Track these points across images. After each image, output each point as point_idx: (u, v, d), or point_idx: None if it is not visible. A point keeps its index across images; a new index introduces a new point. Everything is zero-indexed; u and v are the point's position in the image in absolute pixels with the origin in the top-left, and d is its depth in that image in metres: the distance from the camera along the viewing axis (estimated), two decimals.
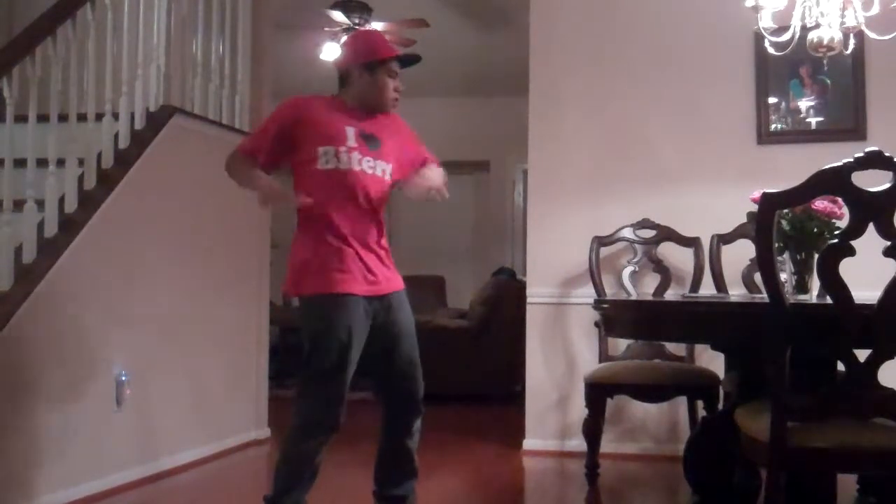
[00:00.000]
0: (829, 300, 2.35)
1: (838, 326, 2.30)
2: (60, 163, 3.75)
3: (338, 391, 3.02)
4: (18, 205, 3.57)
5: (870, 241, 2.24)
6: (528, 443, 4.88)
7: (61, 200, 3.73)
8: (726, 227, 4.33)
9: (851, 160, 2.23)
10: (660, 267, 4.55)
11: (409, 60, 3.22)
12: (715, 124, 4.74)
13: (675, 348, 4.37)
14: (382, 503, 3.18)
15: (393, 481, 3.17)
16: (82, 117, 3.91)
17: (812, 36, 3.43)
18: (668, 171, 4.76)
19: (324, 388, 3.04)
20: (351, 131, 3.07)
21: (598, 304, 3.94)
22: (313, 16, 6.82)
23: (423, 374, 3.19)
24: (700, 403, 4.07)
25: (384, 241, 3.15)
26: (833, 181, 2.26)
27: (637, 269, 4.58)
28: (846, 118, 4.56)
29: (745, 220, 4.04)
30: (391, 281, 3.14)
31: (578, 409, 4.36)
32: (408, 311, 3.17)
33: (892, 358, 2.33)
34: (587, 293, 4.51)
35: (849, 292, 2.28)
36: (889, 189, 2.22)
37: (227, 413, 4.85)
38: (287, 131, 3.10)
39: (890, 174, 2.22)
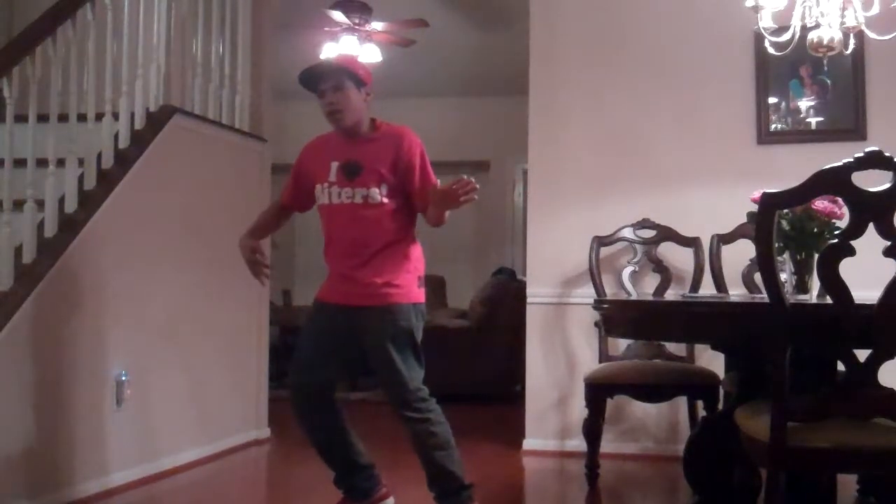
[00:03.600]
0: (829, 300, 2.35)
1: (838, 326, 2.30)
2: (60, 163, 3.75)
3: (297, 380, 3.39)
4: (18, 205, 3.57)
5: (870, 241, 2.23)
6: (528, 443, 4.88)
7: (61, 200, 3.73)
8: (726, 227, 4.33)
9: (851, 160, 2.23)
10: (660, 267, 4.55)
11: (307, 78, 3.26)
12: (715, 124, 4.74)
13: (675, 348, 4.37)
14: None
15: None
16: (82, 117, 3.91)
17: (812, 36, 3.43)
18: (668, 171, 4.76)
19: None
20: (334, 165, 3.25)
21: (598, 304, 3.94)
22: (313, 16, 6.82)
23: (424, 373, 3.22)
24: (700, 403, 4.07)
25: (377, 258, 3.20)
26: (833, 181, 2.26)
27: (637, 269, 4.58)
28: (846, 118, 4.56)
29: (745, 220, 4.03)
30: (360, 297, 3.22)
31: (578, 409, 4.36)
32: (370, 330, 3.21)
33: (892, 358, 2.32)
34: (587, 293, 4.51)
35: (849, 292, 2.28)
36: (889, 189, 2.22)
37: (227, 413, 4.85)
38: (302, 176, 3.38)
39: (890, 174, 2.22)
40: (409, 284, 3.24)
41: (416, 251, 3.31)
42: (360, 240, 3.21)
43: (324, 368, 3.32)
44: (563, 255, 4.81)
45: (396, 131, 3.27)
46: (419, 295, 3.27)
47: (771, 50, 3.58)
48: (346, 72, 3.21)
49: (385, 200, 3.18)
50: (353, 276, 3.22)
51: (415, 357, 3.20)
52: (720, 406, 3.85)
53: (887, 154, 2.22)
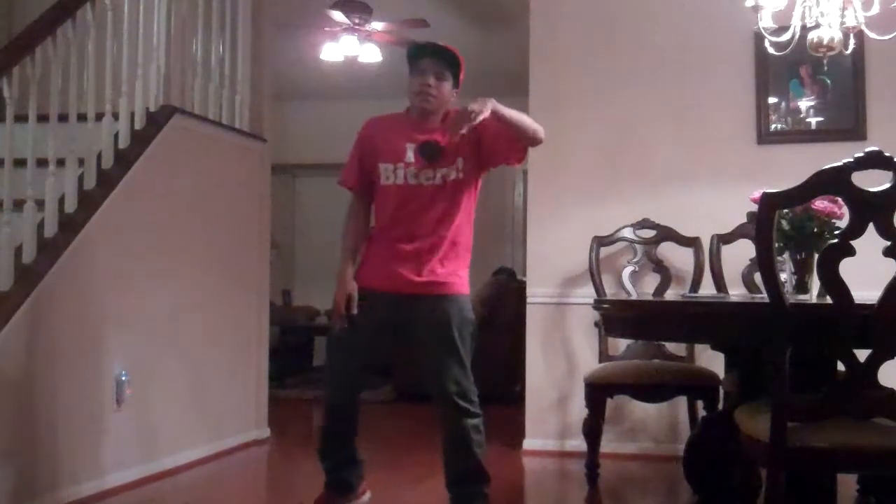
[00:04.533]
0: (829, 300, 2.35)
1: (838, 326, 2.30)
2: (60, 163, 3.75)
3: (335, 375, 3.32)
4: (18, 205, 3.57)
5: (870, 241, 2.23)
6: (528, 443, 4.87)
7: (61, 200, 3.73)
8: (726, 227, 4.33)
9: (851, 160, 2.23)
10: (660, 267, 4.55)
11: (420, 48, 3.25)
12: (715, 124, 4.74)
13: (675, 348, 4.37)
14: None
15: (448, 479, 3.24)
16: (82, 117, 3.91)
17: (812, 36, 3.43)
18: (668, 171, 4.76)
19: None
20: (410, 147, 3.20)
21: (598, 304, 3.94)
22: (313, 16, 6.81)
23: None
24: (700, 403, 4.07)
25: (444, 245, 3.19)
26: (833, 181, 2.26)
27: (637, 269, 4.58)
28: (846, 118, 4.56)
29: (745, 220, 4.04)
30: (426, 285, 3.18)
31: (578, 409, 4.36)
32: (434, 317, 3.18)
33: (892, 358, 2.32)
34: (587, 293, 4.51)
35: (849, 292, 2.28)
36: (889, 189, 2.22)
37: (227, 413, 4.85)
38: (366, 152, 3.30)
39: (890, 174, 2.22)
40: (467, 276, 3.27)
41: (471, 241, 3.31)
42: (431, 224, 3.17)
43: (364, 367, 3.32)
44: (563, 255, 4.81)
45: None
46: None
47: (771, 50, 3.57)
48: (456, 66, 3.25)
49: (461, 176, 3.16)
50: (419, 261, 3.17)
51: (472, 351, 3.21)
52: (720, 406, 3.85)
53: (887, 154, 2.22)
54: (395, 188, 3.22)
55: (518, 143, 3.14)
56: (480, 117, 2.93)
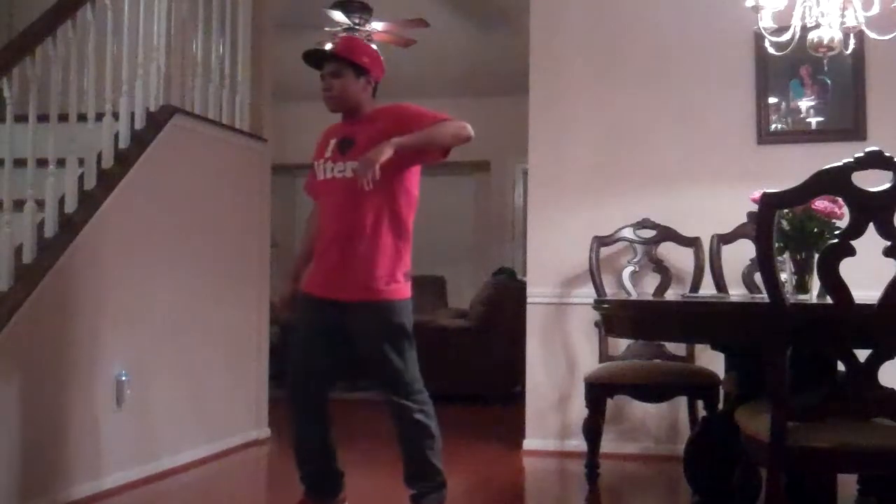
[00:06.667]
0: (829, 300, 2.35)
1: (838, 326, 2.30)
2: (60, 163, 3.75)
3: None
4: (18, 205, 3.57)
5: (870, 241, 2.23)
6: (528, 443, 4.88)
7: (61, 200, 3.73)
8: (726, 227, 4.33)
9: (851, 160, 2.23)
10: (660, 267, 4.55)
11: (315, 57, 3.30)
12: (715, 124, 4.74)
13: (675, 348, 4.37)
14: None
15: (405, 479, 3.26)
16: (82, 117, 3.92)
17: (812, 36, 3.43)
18: (669, 171, 4.76)
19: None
20: (332, 143, 3.27)
21: (598, 304, 3.94)
22: (313, 16, 6.82)
23: (424, 374, 3.21)
24: (700, 403, 4.07)
25: (363, 243, 3.14)
26: (833, 181, 2.26)
27: (637, 269, 4.58)
28: (846, 118, 4.56)
29: (745, 220, 4.04)
30: (352, 291, 3.17)
31: (578, 409, 4.37)
32: (367, 323, 3.18)
33: (892, 358, 2.32)
34: (587, 293, 4.51)
35: (849, 292, 2.28)
36: (889, 189, 2.22)
37: (227, 413, 4.85)
38: (313, 160, 3.38)
39: (890, 174, 2.22)
40: (401, 279, 3.20)
41: (408, 246, 3.24)
42: (351, 219, 3.14)
43: (322, 376, 3.30)
44: (563, 255, 4.81)
45: (392, 106, 3.28)
46: (408, 290, 3.24)
47: (771, 50, 3.58)
48: (344, 60, 3.22)
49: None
50: (344, 265, 3.15)
51: (410, 350, 3.18)
52: (720, 406, 3.85)
53: (887, 154, 2.22)
54: (319, 184, 3.29)
55: (427, 152, 3.18)
56: (377, 166, 2.94)
